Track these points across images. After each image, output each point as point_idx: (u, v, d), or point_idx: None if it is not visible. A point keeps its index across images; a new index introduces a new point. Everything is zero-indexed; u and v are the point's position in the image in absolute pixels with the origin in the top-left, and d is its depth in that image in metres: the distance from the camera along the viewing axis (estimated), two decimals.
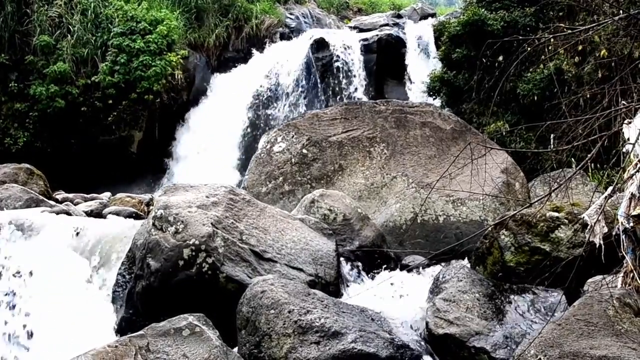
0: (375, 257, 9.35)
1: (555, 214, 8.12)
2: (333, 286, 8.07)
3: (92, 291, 8.16)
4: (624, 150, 6.89)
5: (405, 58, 22.90)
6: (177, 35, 21.73)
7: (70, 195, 13.68)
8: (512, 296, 7.52)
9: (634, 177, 6.39)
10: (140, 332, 6.28)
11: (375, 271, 9.19)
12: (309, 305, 6.70)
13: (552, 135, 6.76)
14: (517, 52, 12.34)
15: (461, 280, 7.64)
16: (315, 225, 8.86)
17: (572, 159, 10.86)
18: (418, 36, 23.43)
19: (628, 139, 6.40)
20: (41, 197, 11.15)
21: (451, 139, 11.60)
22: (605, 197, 6.53)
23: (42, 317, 7.76)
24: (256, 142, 18.02)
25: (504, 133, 15.59)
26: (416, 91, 21.66)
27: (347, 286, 8.59)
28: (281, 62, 22.77)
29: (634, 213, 6.18)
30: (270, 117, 21.80)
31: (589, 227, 6.50)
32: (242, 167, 19.82)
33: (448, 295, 7.42)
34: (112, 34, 20.86)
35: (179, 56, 21.48)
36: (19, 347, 7.56)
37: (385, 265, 9.37)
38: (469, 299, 7.38)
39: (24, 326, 7.68)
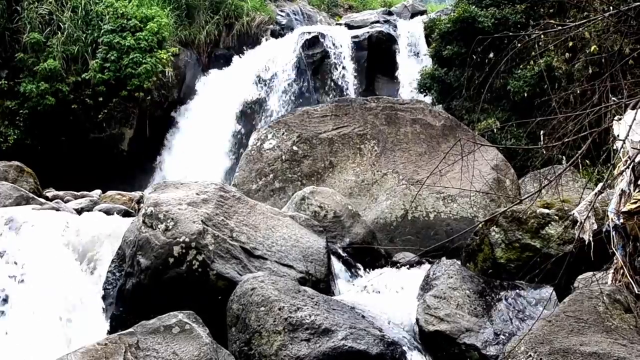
0: (366, 254, 9.35)
1: (546, 211, 8.14)
2: (323, 283, 8.07)
3: (83, 289, 8.14)
4: (614, 147, 6.90)
5: (396, 55, 22.91)
6: (167, 33, 21.69)
7: (61, 193, 13.66)
8: (502, 293, 7.53)
9: (623, 173, 6.40)
10: (130, 329, 6.29)
11: (366, 268, 9.19)
12: (299, 303, 6.70)
13: (541, 132, 6.75)
14: (507, 49, 12.33)
15: (452, 277, 7.64)
16: (305, 222, 8.86)
17: (562, 156, 10.89)
18: (409, 33, 23.44)
19: (618, 136, 6.40)
20: (31, 195, 11.13)
21: (442, 135, 11.60)
22: (595, 193, 6.55)
23: (34, 315, 7.74)
24: (246, 139, 18.09)
25: (494, 130, 15.61)
26: (407, 88, 21.67)
27: (338, 283, 8.60)
28: (272, 59, 22.76)
29: (624, 209, 6.19)
30: (262, 115, 21.81)
31: (578, 223, 6.51)
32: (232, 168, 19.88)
33: (438, 292, 7.42)
34: (102, 31, 20.80)
35: (170, 53, 21.44)
36: (9, 343, 7.55)
37: (375, 262, 9.37)
38: (459, 295, 7.38)
39: (12, 322, 7.69)
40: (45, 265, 8.18)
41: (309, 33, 23.23)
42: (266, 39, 24.71)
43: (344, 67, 22.42)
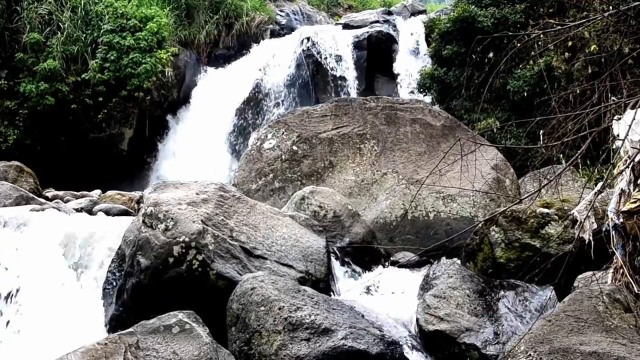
0: (366, 253, 9.35)
1: (546, 210, 8.14)
2: (323, 283, 8.07)
3: (82, 288, 8.15)
4: (613, 146, 6.90)
5: (395, 55, 22.88)
6: (167, 33, 21.66)
7: (61, 193, 13.66)
8: (502, 292, 7.53)
9: (623, 173, 6.40)
10: (130, 329, 6.29)
11: (366, 268, 9.19)
12: (299, 302, 6.70)
13: (541, 132, 6.76)
14: (507, 49, 12.33)
15: (451, 277, 7.65)
16: (305, 222, 8.86)
17: (561, 155, 10.90)
18: (408, 33, 23.41)
19: (617, 135, 6.41)
20: (31, 195, 11.14)
21: (441, 135, 11.60)
22: (595, 193, 6.55)
23: (32, 314, 7.74)
24: (246, 139, 18.09)
25: (494, 130, 15.62)
26: (406, 88, 21.65)
27: (338, 283, 8.60)
28: (271, 59, 22.76)
29: (623, 209, 6.19)
30: (261, 114, 21.81)
31: (578, 223, 6.51)
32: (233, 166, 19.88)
33: (438, 292, 7.43)
34: (102, 31, 20.77)
35: (169, 53, 21.40)
36: (7, 343, 7.56)
37: (375, 262, 9.38)
38: (459, 295, 7.39)
39: (10, 322, 7.70)
40: (43, 265, 8.20)
41: (309, 33, 23.21)
42: (264, 39, 24.73)
43: (343, 67, 22.38)
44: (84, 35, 20.96)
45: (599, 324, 5.92)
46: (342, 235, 9.41)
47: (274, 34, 24.99)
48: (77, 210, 11.15)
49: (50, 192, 13.81)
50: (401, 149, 11.44)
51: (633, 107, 6.39)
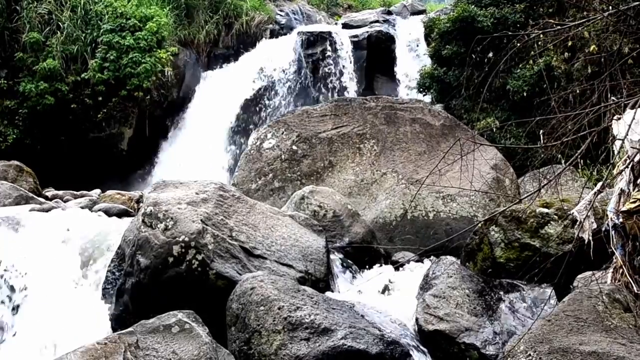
0: (365, 253, 9.35)
1: (545, 210, 8.13)
2: (323, 282, 8.06)
3: (82, 288, 8.14)
4: (613, 146, 6.91)
5: (395, 54, 22.89)
6: (167, 32, 21.66)
7: (60, 192, 13.66)
8: (501, 292, 7.53)
9: (623, 172, 6.40)
10: (130, 329, 6.28)
11: (366, 267, 9.19)
12: (298, 302, 6.70)
13: (541, 132, 6.76)
14: (506, 49, 12.33)
15: (451, 277, 7.64)
16: (305, 222, 8.85)
17: (561, 155, 10.90)
18: (408, 33, 23.44)
19: (617, 135, 6.41)
20: (31, 194, 11.13)
21: (441, 135, 11.60)
22: (595, 193, 6.55)
23: (32, 314, 7.73)
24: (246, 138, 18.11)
25: (494, 129, 15.63)
26: (406, 88, 21.67)
27: (337, 282, 8.59)
28: (271, 59, 22.76)
29: (623, 209, 6.19)
30: (261, 114, 21.83)
31: (578, 223, 6.51)
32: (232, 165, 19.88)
33: (438, 292, 7.42)
34: (101, 30, 20.77)
35: (169, 53, 21.40)
36: (7, 342, 7.55)
37: (375, 262, 9.37)
38: (458, 295, 7.39)
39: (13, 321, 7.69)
40: (44, 264, 8.19)
41: (308, 33, 23.23)
42: (264, 39, 24.76)
43: (343, 67, 22.40)
44: (84, 34, 20.97)
45: (599, 324, 5.92)
46: (341, 235, 9.41)
47: (274, 34, 25.00)
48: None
49: (49, 192, 13.81)
50: (401, 148, 11.44)
51: (633, 107, 6.39)
